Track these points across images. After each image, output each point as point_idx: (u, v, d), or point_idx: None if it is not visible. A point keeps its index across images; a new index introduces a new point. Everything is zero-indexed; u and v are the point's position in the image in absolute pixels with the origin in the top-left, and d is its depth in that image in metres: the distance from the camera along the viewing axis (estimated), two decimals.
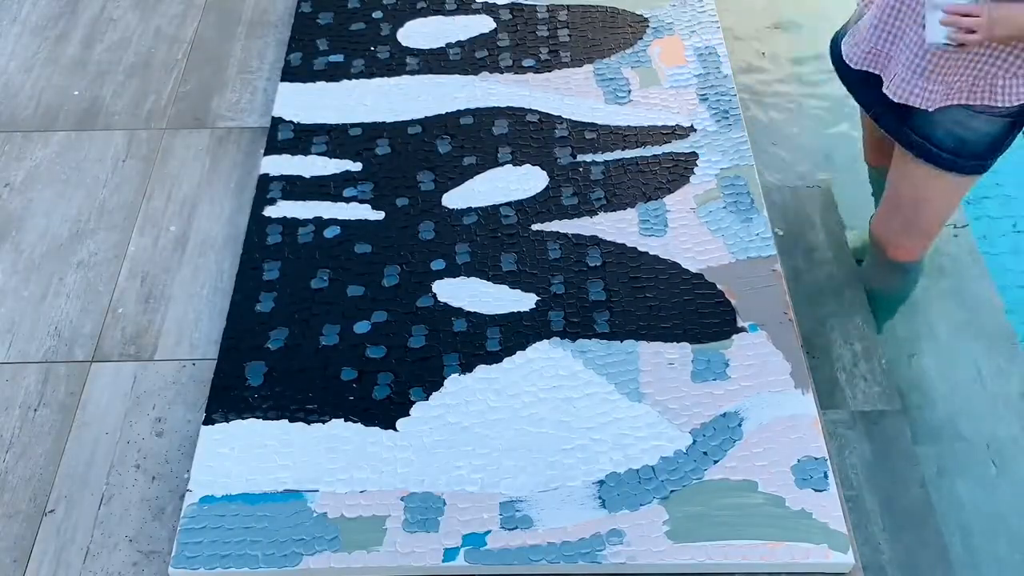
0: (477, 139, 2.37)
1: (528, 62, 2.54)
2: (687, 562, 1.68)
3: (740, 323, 1.99)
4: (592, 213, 2.20)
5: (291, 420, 1.88)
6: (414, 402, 1.89)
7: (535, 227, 2.18)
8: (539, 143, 2.35)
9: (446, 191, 2.26)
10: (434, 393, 1.91)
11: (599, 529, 1.71)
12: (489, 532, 1.72)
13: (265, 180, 2.29)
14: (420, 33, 2.64)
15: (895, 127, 2.02)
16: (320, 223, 2.20)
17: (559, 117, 2.40)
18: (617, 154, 2.32)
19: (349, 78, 2.53)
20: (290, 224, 2.20)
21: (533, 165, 2.31)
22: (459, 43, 2.61)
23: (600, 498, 1.75)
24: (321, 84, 2.51)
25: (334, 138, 2.38)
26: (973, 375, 2.44)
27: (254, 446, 1.84)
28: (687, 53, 2.53)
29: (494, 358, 1.95)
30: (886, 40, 1.92)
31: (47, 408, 1.96)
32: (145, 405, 1.96)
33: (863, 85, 2.03)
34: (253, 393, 1.92)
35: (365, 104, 2.46)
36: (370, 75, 2.53)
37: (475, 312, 2.03)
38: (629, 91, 2.45)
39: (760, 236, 2.13)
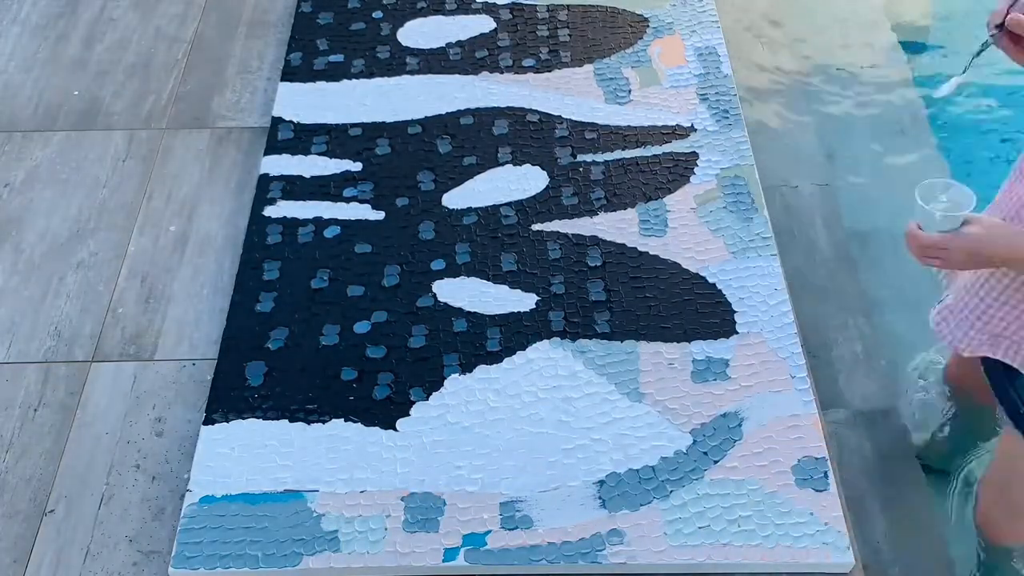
0: (477, 139, 2.37)
1: (528, 62, 2.54)
2: (687, 562, 1.68)
3: (740, 323, 1.99)
4: (592, 213, 2.20)
5: (291, 420, 1.88)
6: (414, 402, 1.89)
7: (535, 227, 2.18)
8: (539, 143, 2.35)
9: (446, 191, 2.26)
10: (434, 393, 1.91)
11: (599, 529, 1.71)
12: (489, 532, 1.72)
13: (265, 180, 2.29)
14: (420, 33, 2.64)
15: (1001, 381, 1.68)
16: (320, 223, 2.20)
17: (559, 117, 2.40)
18: (617, 154, 2.32)
19: (349, 78, 2.53)
20: (290, 224, 2.20)
21: (533, 165, 2.31)
22: (459, 43, 2.61)
23: (600, 498, 1.75)
24: (321, 84, 2.51)
25: (334, 138, 2.38)
26: None
27: (254, 446, 1.84)
28: (687, 53, 2.53)
29: (494, 358, 1.95)
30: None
31: (47, 408, 1.96)
32: (145, 405, 1.96)
33: None
34: (253, 393, 1.92)
35: (365, 104, 2.46)
36: (370, 75, 2.53)
37: (475, 312, 2.03)
38: (629, 91, 2.45)
39: (760, 236, 2.13)
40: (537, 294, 2.05)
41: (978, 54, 1.54)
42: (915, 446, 2.18)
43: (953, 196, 1.45)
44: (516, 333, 1.99)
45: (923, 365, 2.10)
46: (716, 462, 1.78)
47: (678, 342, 1.96)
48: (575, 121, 2.39)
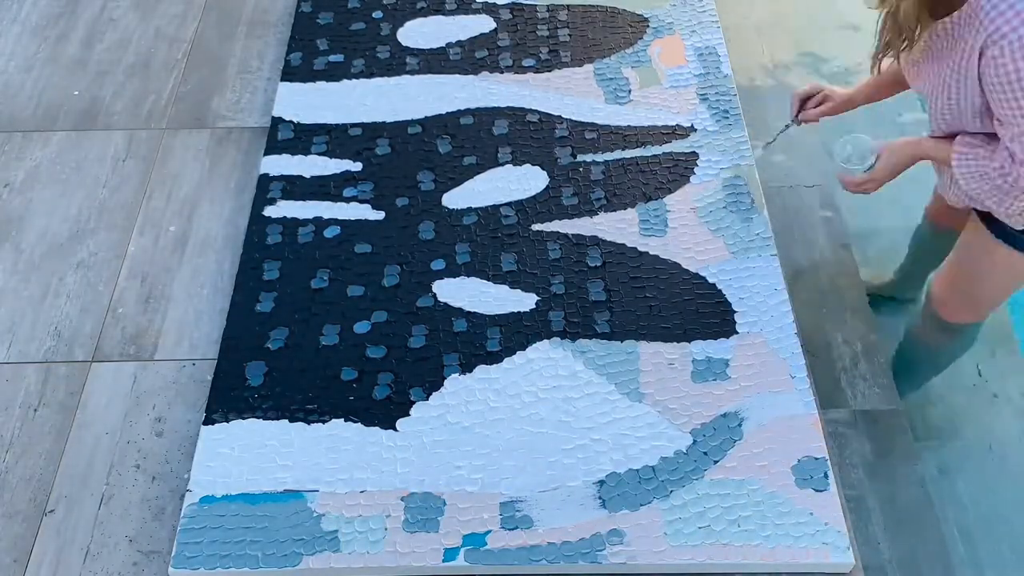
0: (477, 139, 2.37)
1: (528, 62, 2.54)
2: (687, 562, 1.68)
3: (740, 323, 1.99)
4: (592, 213, 2.20)
5: (291, 420, 1.88)
6: (414, 402, 1.89)
7: (535, 227, 2.18)
8: (539, 143, 2.35)
9: (446, 191, 2.26)
10: (434, 393, 1.91)
11: (599, 529, 1.71)
12: (489, 532, 1.72)
13: (265, 180, 2.29)
14: (420, 33, 2.64)
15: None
16: (320, 223, 2.20)
17: (559, 117, 2.40)
18: (617, 154, 2.31)
19: (349, 78, 2.53)
20: (290, 224, 2.20)
21: (533, 165, 2.31)
22: (459, 43, 2.61)
23: (600, 498, 1.75)
24: (321, 84, 2.51)
25: (334, 138, 2.38)
26: (973, 375, 2.45)
27: (254, 446, 1.84)
28: (687, 53, 2.53)
29: (494, 358, 1.95)
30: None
31: (47, 408, 1.96)
32: (145, 405, 1.96)
33: None
34: (253, 393, 1.92)
35: (365, 104, 2.46)
36: (370, 75, 2.53)
37: (475, 312, 2.03)
38: (629, 91, 2.45)
39: (760, 236, 2.13)
40: (537, 294, 2.05)
41: (781, 132, 2.17)
42: (865, 283, 2.43)
43: (857, 144, 1.99)
44: (516, 333, 1.99)
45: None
46: (716, 462, 1.78)
47: (678, 342, 1.96)
48: (575, 121, 2.39)
